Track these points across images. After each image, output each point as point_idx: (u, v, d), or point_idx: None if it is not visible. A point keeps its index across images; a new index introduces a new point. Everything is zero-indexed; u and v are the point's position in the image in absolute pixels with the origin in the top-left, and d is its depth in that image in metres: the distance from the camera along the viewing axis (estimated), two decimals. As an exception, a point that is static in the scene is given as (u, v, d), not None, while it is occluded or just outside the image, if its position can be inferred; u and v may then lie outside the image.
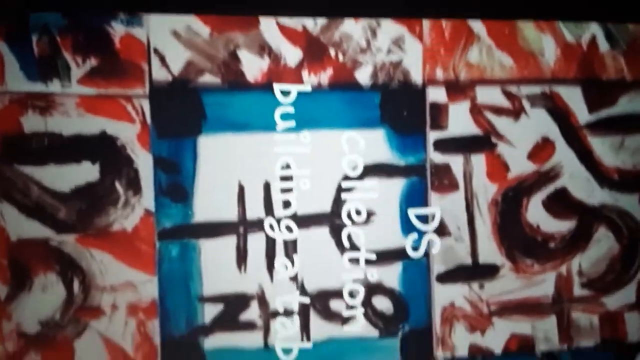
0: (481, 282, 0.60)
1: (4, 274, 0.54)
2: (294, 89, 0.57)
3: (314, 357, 0.57)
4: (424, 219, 0.59)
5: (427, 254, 0.59)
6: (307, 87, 0.57)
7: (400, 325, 0.59)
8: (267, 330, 0.57)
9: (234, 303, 0.56)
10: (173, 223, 0.56)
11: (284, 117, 0.57)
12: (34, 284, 0.54)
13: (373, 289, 0.58)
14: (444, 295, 0.59)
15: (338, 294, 0.58)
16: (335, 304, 0.58)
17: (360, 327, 0.58)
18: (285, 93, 0.57)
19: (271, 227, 0.57)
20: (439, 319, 0.59)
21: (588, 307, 0.61)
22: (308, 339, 0.57)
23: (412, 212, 0.58)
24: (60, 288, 0.54)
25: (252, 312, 0.57)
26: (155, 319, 0.56)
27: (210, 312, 0.56)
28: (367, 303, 0.58)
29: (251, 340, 0.57)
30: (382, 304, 0.59)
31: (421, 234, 0.59)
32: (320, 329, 0.58)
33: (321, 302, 0.58)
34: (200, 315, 0.56)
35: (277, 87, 0.57)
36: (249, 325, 0.57)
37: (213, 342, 0.56)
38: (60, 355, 0.54)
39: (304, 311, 0.57)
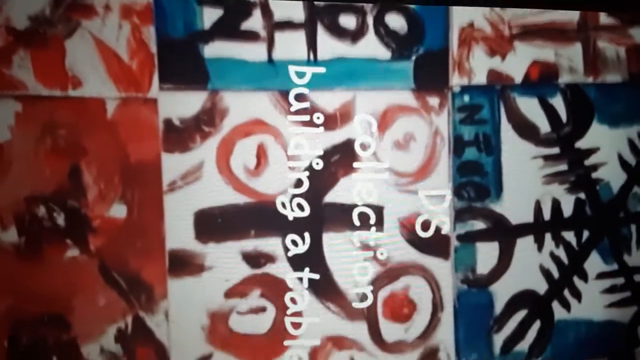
0: None
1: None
2: None
3: (324, 79, 0.54)
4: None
5: None
6: None
7: (414, 47, 0.55)
8: (270, 43, 0.53)
9: (235, 9, 0.52)
10: None
11: None
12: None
13: (386, 4, 0.54)
14: (462, 14, 0.55)
15: (347, 8, 0.54)
16: (345, 20, 0.54)
17: (371, 47, 0.54)
18: None
19: None
20: (456, 41, 0.55)
21: (615, 37, 0.57)
22: (315, 57, 0.54)
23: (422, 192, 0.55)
24: None
25: (255, 21, 0.53)
26: (151, 25, 0.52)
27: (209, 16, 0.52)
28: (379, 21, 0.54)
29: (254, 52, 0.53)
30: (396, 22, 0.54)
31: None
32: (329, 46, 0.54)
33: (329, 16, 0.53)
34: (199, 19, 0.52)
35: None
36: (252, 35, 0.53)
37: (213, 50, 0.52)
38: (50, 53, 0.51)
39: (310, 24, 0.53)
